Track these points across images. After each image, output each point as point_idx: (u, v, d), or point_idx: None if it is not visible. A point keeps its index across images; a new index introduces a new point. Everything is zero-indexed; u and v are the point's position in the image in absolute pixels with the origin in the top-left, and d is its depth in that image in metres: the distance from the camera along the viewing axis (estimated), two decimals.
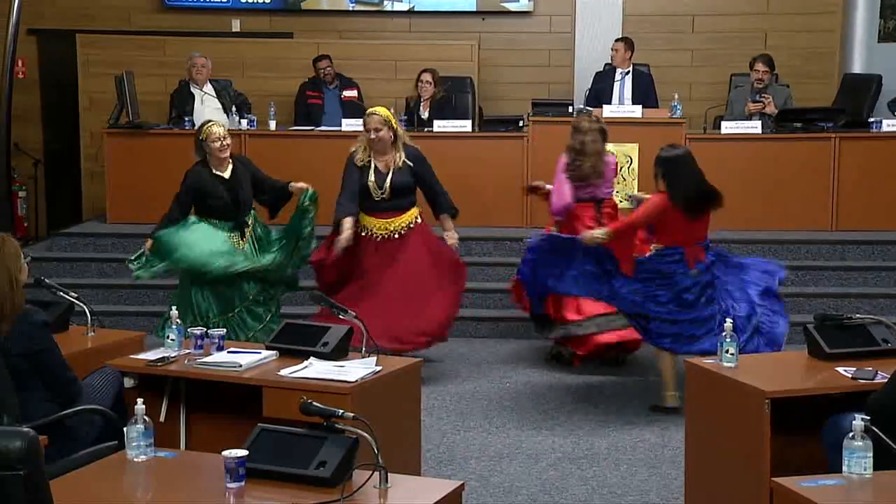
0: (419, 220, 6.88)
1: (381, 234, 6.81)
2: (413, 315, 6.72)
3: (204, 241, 6.54)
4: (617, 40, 9.94)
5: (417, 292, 6.77)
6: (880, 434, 3.33)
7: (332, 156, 8.85)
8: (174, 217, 6.65)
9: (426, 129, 9.09)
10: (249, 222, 6.75)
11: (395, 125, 6.79)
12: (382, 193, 6.75)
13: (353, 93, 10.05)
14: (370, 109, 6.91)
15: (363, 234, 6.83)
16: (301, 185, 6.76)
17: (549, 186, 7.14)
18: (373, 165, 6.77)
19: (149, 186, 8.97)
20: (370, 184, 6.74)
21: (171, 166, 8.74)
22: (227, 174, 6.70)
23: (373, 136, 6.71)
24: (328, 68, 10.07)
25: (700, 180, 6.13)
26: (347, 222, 6.66)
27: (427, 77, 9.50)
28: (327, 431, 3.28)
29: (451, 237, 6.96)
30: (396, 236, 6.82)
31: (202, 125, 6.81)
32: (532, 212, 8.76)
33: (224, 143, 6.65)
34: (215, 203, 6.65)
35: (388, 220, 6.81)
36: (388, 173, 6.76)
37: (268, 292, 6.79)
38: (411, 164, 6.80)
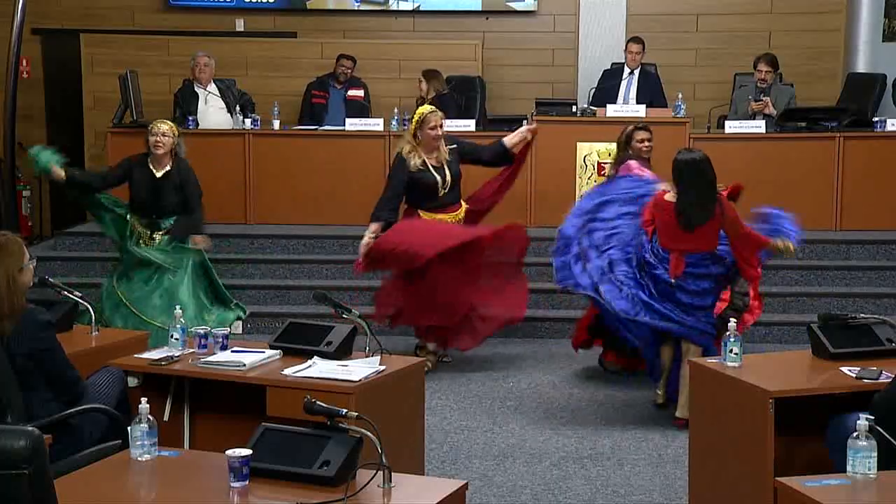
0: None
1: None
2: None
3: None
4: (632, 41, 9.89)
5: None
6: (885, 434, 3.33)
7: (335, 155, 8.90)
8: (94, 177, 7.26)
9: None
10: (164, 228, 7.03)
11: None
12: (445, 189, 6.83)
13: (360, 92, 10.04)
14: (428, 108, 6.90)
15: None
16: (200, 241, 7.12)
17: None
18: (429, 166, 6.80)
19: None
20: (439, 183, 6.80)
21: None
22: (159, 174, 6.92)
23: (440, 132, 6.79)
24: (347, 70, 10.05)
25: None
26: (372, 227, 6.73)
27: (420, 77, 9.42)
28: (331, 431, 3.29)
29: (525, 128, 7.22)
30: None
31: (156, 121, 7.13)
32: (536, 211, 8.75)
33: (158, 139, 6.92)
34: (134, 194, 7.08)
35: (456, 213, 6.95)
36: (442, 168, 6.83)
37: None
38: (454, 146, 6.95)
